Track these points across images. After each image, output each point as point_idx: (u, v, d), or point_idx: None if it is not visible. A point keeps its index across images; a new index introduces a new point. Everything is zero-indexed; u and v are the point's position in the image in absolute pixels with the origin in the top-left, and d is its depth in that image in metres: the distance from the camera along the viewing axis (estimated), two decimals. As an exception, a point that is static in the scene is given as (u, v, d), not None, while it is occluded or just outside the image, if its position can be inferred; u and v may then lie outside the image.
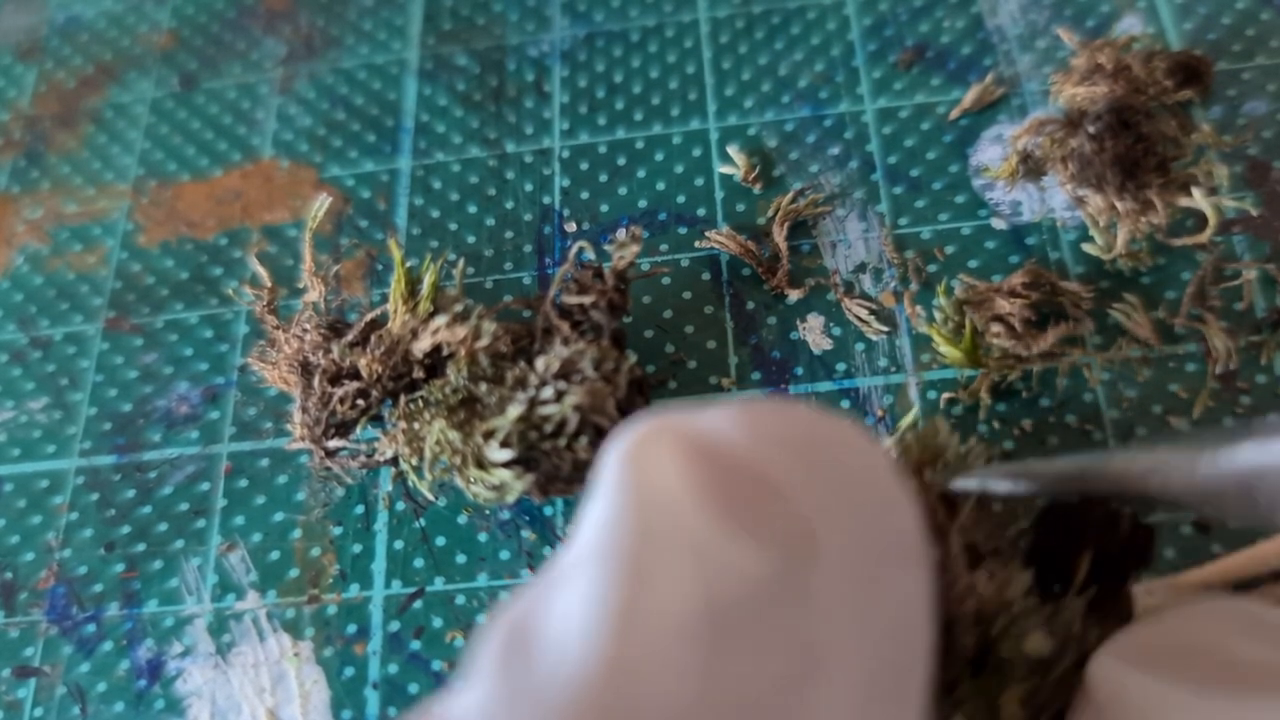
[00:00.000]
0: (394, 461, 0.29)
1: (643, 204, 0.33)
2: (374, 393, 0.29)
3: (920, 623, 0.17)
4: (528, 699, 0.15)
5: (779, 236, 0.31)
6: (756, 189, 0.33)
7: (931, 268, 0.31)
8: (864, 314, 0.30)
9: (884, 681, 0.16)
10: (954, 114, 0.33)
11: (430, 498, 0.29)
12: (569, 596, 0.16)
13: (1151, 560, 0.22)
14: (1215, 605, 0.19)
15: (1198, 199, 0.28)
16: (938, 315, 0.29)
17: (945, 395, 0.29)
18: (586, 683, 0.15)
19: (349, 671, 0.28)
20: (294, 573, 0.29)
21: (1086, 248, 0.29)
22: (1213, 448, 0.18)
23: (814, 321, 0.30)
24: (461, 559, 0.29)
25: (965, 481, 0.23)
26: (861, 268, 0.31)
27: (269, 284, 0.31)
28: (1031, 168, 0.31)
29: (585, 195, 0.34)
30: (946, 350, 0.28)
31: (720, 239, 0.32)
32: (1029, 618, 0.21)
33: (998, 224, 0.31)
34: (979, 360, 0.28)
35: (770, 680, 0.15)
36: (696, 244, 0.32)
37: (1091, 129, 0.29)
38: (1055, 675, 0.20)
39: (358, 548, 0.29)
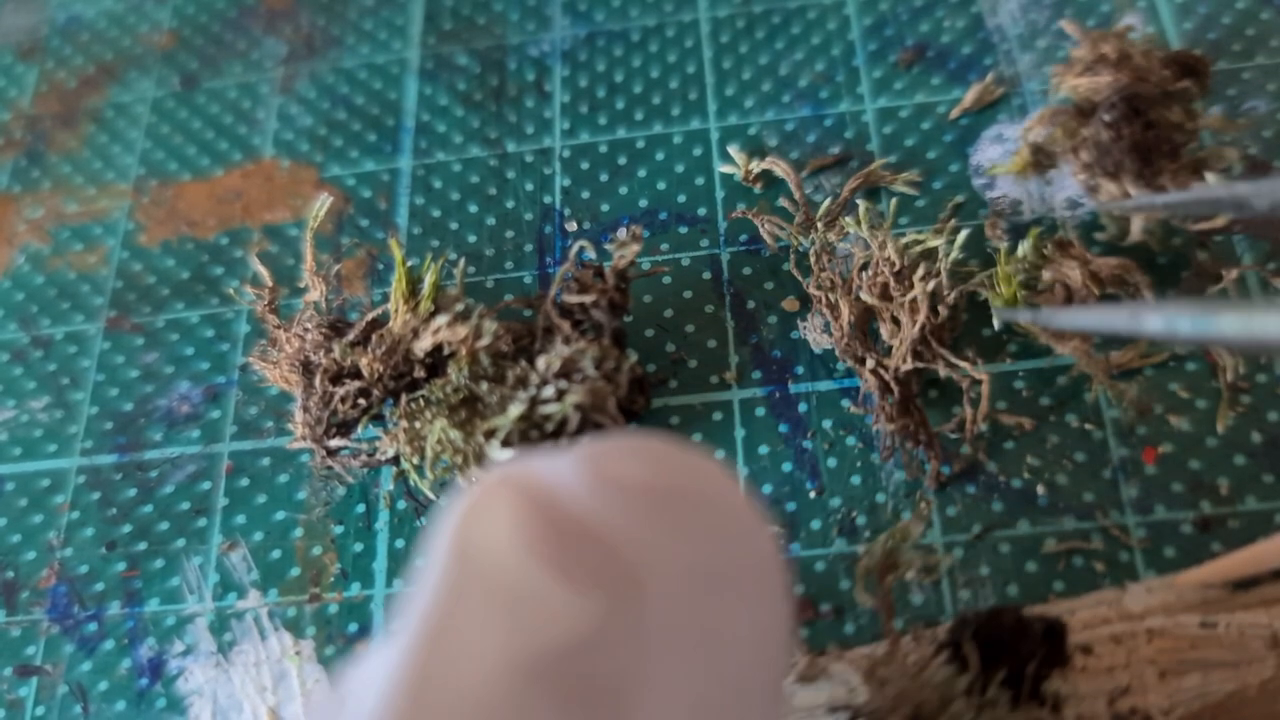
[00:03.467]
0: (395, 460, 0.29)
1: (643, 203, 0.33)
2: (375, 392, 0.29)
3: (772, 646, 0.18)
4: None
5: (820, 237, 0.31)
6: (756, 189, 0.33)
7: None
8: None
9: (718, 703, 0.17)
10: (954, 113, 0.33)
11: (431, 496, 0.29)
12: (375, 662, 0.16)
13: (1066, 657, 0.25)
14: None
15: (1211, 183, 0.28)
16: (1019, 251, 0.29)
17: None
18: None
19: (350, 670, 0.28)
20: (295, 571, 0.29)
21: (1100, 236, 0.30)
22: None
23: (815, 320, 0.30)
24: (462, 558, 0.29)
25: (1013, 314, 0.28)
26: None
27: (270, 283, 0.31)
28: (1042, 161, 0.31)
29: (586, 194, 0.34)
30: (1002, 285, 0.28)
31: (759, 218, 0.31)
32: (964, 715, 0.24)
33: (998, 223, 0.31)
34: (1015, 300, 0.28)
35: None
36: (698, 243, 0.32)
37: (1107, 116, 0.29)
38: None
39: (359, 546, 0.29)
